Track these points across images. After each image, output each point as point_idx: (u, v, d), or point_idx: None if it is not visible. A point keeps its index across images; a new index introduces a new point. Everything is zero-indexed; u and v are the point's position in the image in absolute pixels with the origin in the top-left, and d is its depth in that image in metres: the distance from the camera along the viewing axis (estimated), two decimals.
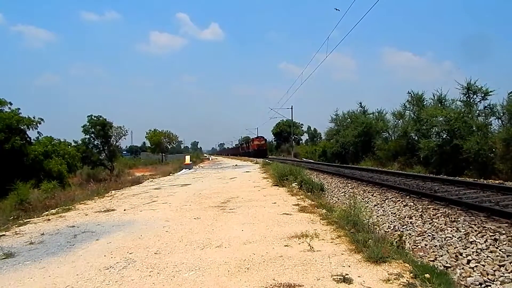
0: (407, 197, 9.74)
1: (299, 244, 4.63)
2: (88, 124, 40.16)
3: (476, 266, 5.12)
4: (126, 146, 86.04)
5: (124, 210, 8.28)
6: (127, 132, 46.03)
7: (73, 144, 37.50)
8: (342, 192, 12.73)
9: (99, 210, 8.49)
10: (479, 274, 4.89)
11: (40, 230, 6.39)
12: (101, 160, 41.87)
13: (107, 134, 41.44)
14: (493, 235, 5.82)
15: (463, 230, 6.33)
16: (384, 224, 7.98)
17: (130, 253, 4.64)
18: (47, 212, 8.87)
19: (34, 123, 26.94)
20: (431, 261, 5.56)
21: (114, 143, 43.82)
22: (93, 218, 7.42)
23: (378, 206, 9.64)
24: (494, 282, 4.64)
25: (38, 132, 28.14)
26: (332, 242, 4.67)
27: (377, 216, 8.72)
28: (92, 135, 40.59)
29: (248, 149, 70.36)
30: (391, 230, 7.57)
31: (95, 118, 40.56)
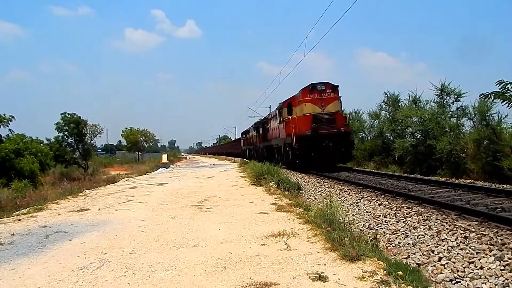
0: (382, 196, 9.91)
1: (276, 243, 4.65)
2: (61, 121, 39.14)
3: (447, 263, 5.26)
4: (102, 145, 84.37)
5: (99, 209, 8.13)
6: (102, 131, 45.21)
7: (45, 142, 36.53)
8: (318, 191, 12.84)
9: (73, 209, 8.30)
10: (450, 271, 5.02)
11: (10, 231, 6.20)
12: (75, 158, 40.88)
13: (82, 132, 40.49)
14: (463, 233, 5.98)
15: (435, 228, 6.49)
16: (360, 223, 8.10)
17: (105, 253, 4.56)
18: (18, 212, 8.62)
19: (5, 121, 26.18)
20: (404, 258, 5.68)
21: (89, 141, 42.94)
22: (66, 218, 7.25)
23: (354, 205, 9.77)
24: (464, 279, 4.77)
25: (9, 129, 27.38)
26: (308, 240, 4.71)
27: (353, 214, 8.84)
28: (66, 133, 39.59)
29: (265, 137, 28.37)
30: (366, 228, 7.69)
31: (69, 116, 39.57)
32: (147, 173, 24.28)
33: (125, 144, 68.11)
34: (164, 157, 32.58)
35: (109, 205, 8.70)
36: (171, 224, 6.20)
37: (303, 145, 17.85)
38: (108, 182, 16.93)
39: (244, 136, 45.01)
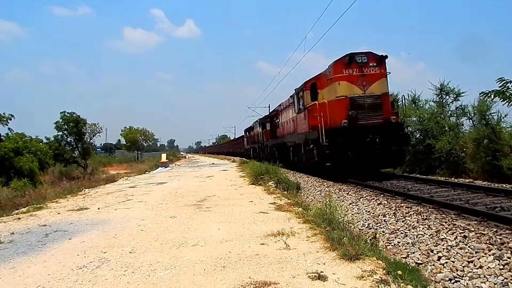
0: (381, 195, 9.91)
1: (275, 242, 4.65)
2: (60, 120, 39.10)
3: (446, 262, 5.26)
4: (101, 144, 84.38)
5: (98, 208, 8.13)
6: (101, 130, 45.22)
7: (45, 141, 36.53)
8: (318, 191, 12.84)
9: (72, 208, 8.30)
10: (449, 270, 5.02)
11: (10, 229, 6.19)
12: (74, 157, 40.87)
13: (81, 131, 40.47)
14: (462, 232, 5.99)
15: (435, 228, 6.50)
16: (359, 222, 8.10)
17: (104, 252, 4.56)
18: (18, 210, 8.62)
19: (5, 119, 26.22)
20: (403, 258, 5.69)
21: (88, 140, 42.93)
22: (66, 217, 7.25)
23: (353, 204, 9.77)
24: (463, 278, 4.78)
25: (8, 128, 27.42)
26: (307, 240, 4.71)
27: (352, 214, 8.84)
28: (65, 132, 39.55)
29: (274, 134, 24.82)
30: (366, 228, 7.69)
31: (68, 115, 39.54)
32: (146, 172, 24.27)
33: (124, 143, 68.08)
34: (163, 156, 32.58)
35: (108, 204, 8.70)
36: (170, 223, 6.20)
37: (336, 142, 12.71)
38: (107, 181, 16.95)
39: (247, 133, 40.01)
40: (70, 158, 39.86)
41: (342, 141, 12.59)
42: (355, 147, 12.52)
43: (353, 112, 12.78)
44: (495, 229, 5.89)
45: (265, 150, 28.37)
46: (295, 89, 17.95)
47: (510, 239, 5.35)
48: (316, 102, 14.35)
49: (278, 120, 23.40)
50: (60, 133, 39.40)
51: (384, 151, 12.60)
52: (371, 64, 13.24)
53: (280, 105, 23.05)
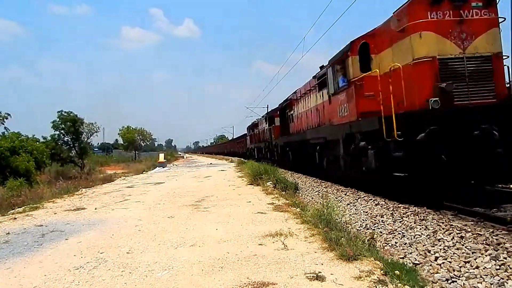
0: (379, 196, 9.91)
1: (273, 242, 4.65)
2: (58, 120, 38.91)
3: (443, 262, 5.26)
4: (98, 143, 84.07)
5: (95, 208, 8.11)
6: (99, 129, 45.06)
7: (41, 140, 36.35)
8: (316, 191, 12.84)
9: (69, 208, 8.28)
10: (446, 270, 5.03)
11: (6, 229, 6.18)
12: (71, 157, 40.64)
13: (78, 130, 40.27)
14: (459, 233, 6.00)
15: (432, 228, 6.50)
16: (357, 223, 8.10)
17: (101, 253, 4.55)
18: (13, 210, 8.61)
19: (1, 118, 26.13)
20: (401, 258, 5.69)
21: (85, 139, 42.72)
22: (63, 217, 7.24)
23: (351, 205, 9.77)
24: (460, 278, 4.78)
25: (5, 127, 27.33)
26: (305, 240, 4.72)
27: (350, 215, 8.83)
28: (62, 131, 39.36)
29: (286, 129, 19.97)
30: (363, 228, 7.69)
31: (66, 114, 39.34)
32: (144, 172, 24.24)
33: (122, 143, 67.90)
34: (161, 156, 32.62)
35: (105, 204, 8.68)
36: (168, 223, 6.20)
37: (416, 135, 7.29)
38: (104, 181, 16.92)
39: (251, 131, 34.33)
40: (67, 158, 39.64)
41: (429, 134, 7.18)
42: (452, 144, 7.23)
43: (448, 83, 7.47)
44: (491, 230, 5.90)
45: (274, 150, 23.64)
46: (323, 66, 13.08)
47: (506, 240, 5.37)
48: (377, 70, 8.74)
49: (292, 112, 18.70)
50: (57, 132, 39.15)
51: (503, 151, 7.21)
52: (474, 4, 7.84)
53: (295, 93, 17.93)
